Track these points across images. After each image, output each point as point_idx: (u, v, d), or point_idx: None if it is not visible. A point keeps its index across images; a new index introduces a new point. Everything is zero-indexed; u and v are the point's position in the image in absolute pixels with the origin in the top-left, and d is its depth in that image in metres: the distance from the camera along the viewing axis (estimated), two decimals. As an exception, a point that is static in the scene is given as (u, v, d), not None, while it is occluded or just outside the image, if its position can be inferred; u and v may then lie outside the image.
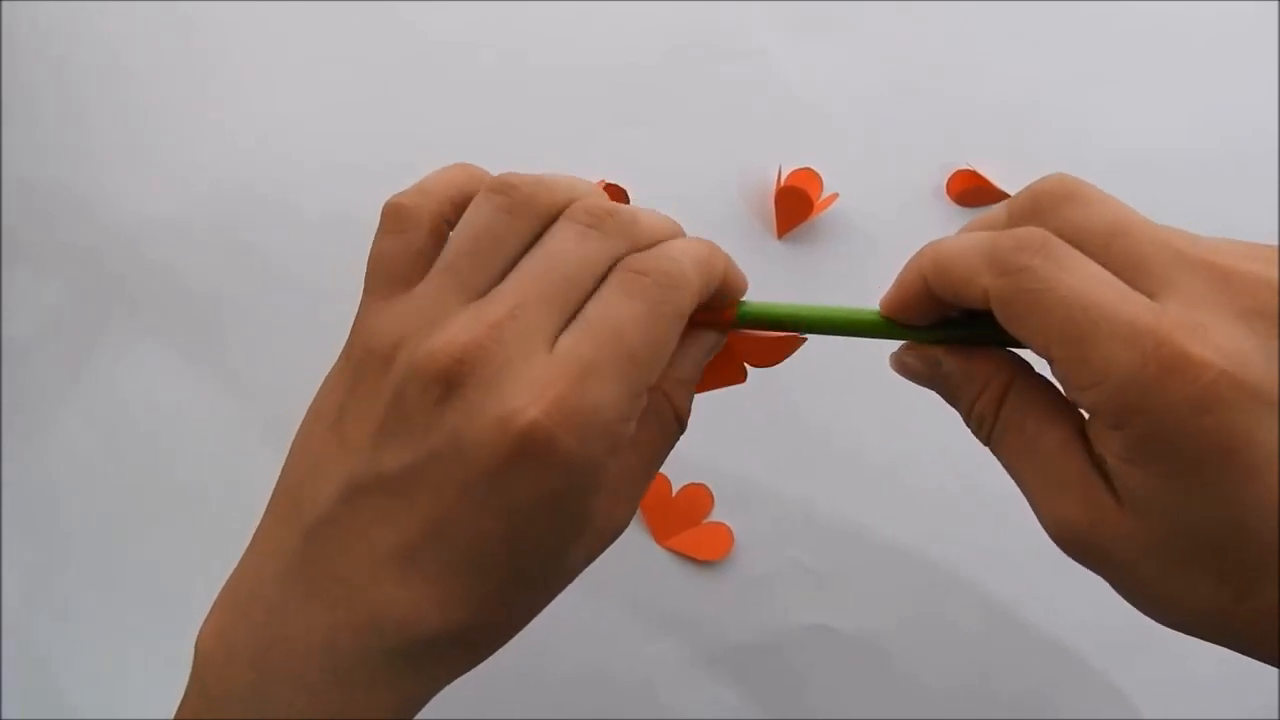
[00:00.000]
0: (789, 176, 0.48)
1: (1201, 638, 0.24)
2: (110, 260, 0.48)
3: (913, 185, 0.48)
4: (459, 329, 0.24)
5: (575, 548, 0.26)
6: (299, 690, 0.24)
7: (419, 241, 0.26)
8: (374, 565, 0.24)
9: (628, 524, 0.28)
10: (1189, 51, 0.48)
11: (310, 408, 0.27)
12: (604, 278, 0.25)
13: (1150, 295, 0.23)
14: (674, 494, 0.48)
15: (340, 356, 0.27)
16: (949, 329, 0.27)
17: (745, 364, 0.32)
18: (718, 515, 0.48)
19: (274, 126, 0.48)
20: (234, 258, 0.48)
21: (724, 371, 0.31)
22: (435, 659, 0.25)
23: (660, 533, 0.48)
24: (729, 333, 0.30)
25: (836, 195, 0.48)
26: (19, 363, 0.49)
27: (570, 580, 0.27)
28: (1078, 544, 0.25)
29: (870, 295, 0.48)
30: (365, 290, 0.27)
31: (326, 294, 0.41)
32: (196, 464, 0.48)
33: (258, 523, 0.27)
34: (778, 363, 0.31)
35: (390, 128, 0.48)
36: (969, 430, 0.28)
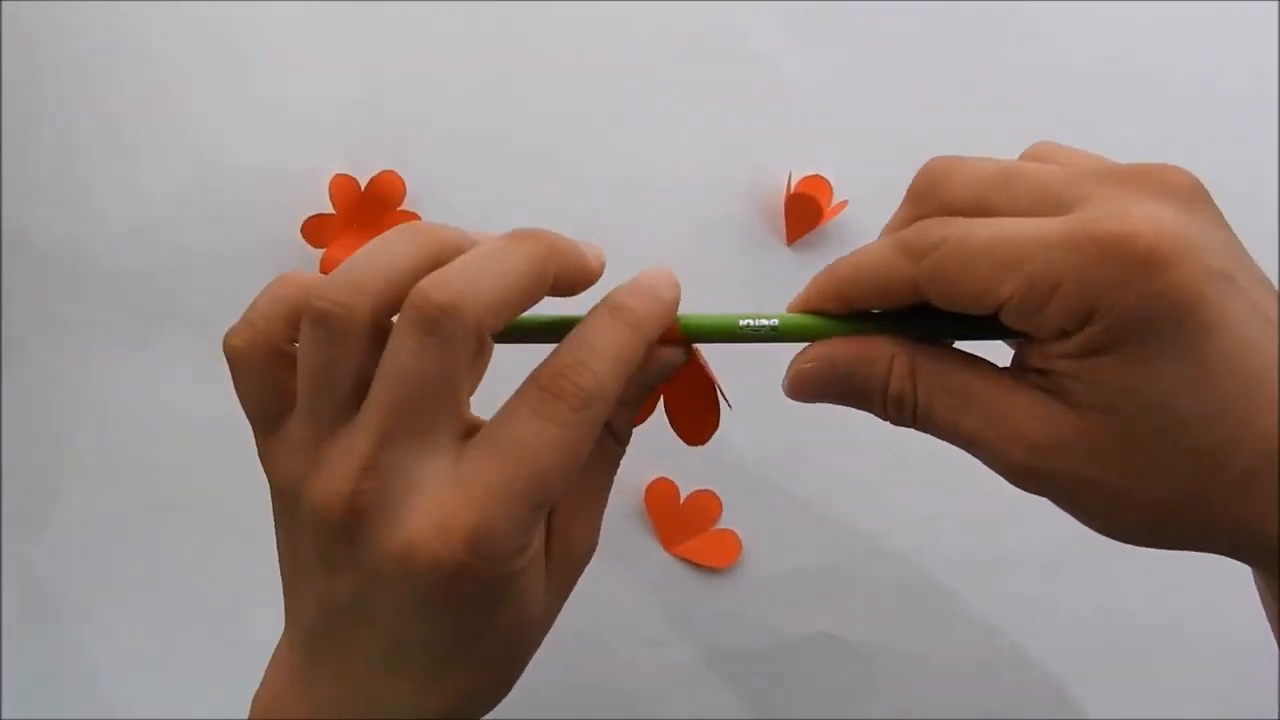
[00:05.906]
0: (799, 183, 0.48)
1: (1165, 540, 0.24)
2: (111, 260, 0.48)
3: (923, 192, 0.48)
4: (337, 475, 0.24)
5: (533, 606, 0.26)
6: None
7: (266, 382, 0.26)
8: (365, 667, 0.25)
9: (594, 546, 0.28)
10: (1198, 56, 0.48)
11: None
12: (460, 389, 0.24)
13: (1063, 213, 0.23)
14: (682, 501, 0.48)
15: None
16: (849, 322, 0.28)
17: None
18: (726, 522, 0.48)
19: (274, 126, 0.48)
20: (235, 257, 0.48)
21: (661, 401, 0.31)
22: None
23: (668, 539, 0.48)
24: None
25: (846, 202, 0.47)
26: (19, 363, 0.49)
27: (549, 623, 0.28)
28: (1042, 469, 0.24)
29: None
30: (252, 428, 0.27)
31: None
32: (197, 464, 0.48)
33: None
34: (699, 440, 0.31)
35: (392, 128, 0.48)
36: (892, 424, 0.27)
